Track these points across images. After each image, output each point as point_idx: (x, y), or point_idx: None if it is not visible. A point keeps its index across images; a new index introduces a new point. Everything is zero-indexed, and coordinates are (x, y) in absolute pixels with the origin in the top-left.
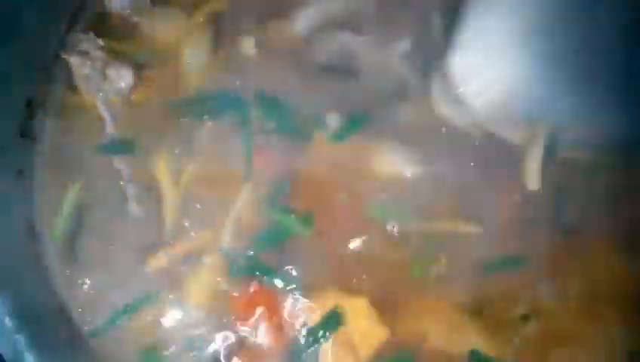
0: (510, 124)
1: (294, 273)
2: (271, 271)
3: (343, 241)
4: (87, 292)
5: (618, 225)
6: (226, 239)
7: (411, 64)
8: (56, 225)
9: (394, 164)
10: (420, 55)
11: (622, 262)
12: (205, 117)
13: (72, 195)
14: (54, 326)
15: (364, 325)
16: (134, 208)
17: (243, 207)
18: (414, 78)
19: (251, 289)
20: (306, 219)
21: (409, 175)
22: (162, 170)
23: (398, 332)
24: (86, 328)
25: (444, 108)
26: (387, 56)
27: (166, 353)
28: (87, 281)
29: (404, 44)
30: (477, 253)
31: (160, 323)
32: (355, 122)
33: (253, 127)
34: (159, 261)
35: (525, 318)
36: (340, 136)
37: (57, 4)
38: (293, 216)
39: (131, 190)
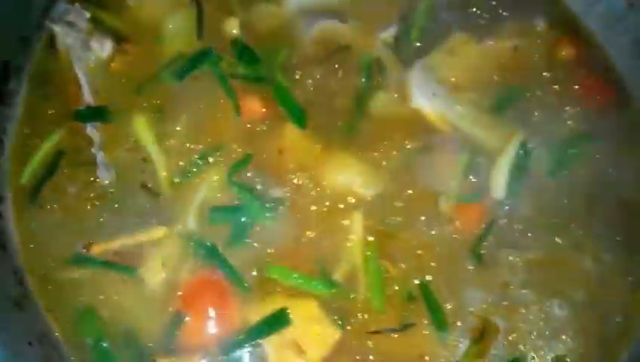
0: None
1: (251, 272)
2: (227, 264)
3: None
4: (41, 252)
5: None
6: (190, 220)
7: (394, 53)
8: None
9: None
10: (403, 46)
11: None
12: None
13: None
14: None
15: (313, 327)
16: (104, 173)
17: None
18: (395, 68)
19: (203, 277)
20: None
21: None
22: (144, 132)
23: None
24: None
25: (419, 100)
26: (370, 44)
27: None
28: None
29: (387, 34)
30: None
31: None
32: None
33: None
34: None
35: None
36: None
37: None
38: (255, 196)
39: (101, 157)
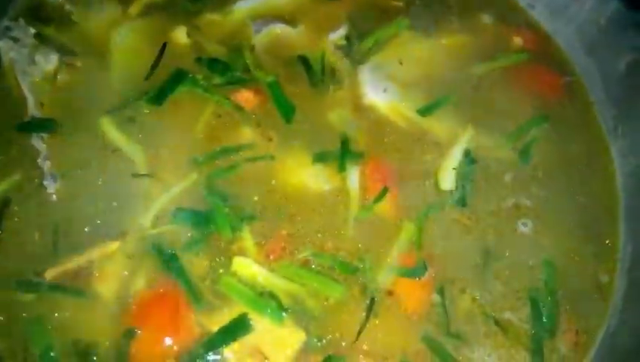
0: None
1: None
2: (184, 274)
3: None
4: None
5: None
6: (147, 222)
7: (344, 55)
8: None
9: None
10: (353, 46)
11: None
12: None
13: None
14: None
15: (277, 332)
16: (50, 183)
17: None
18: (346, 68)
19: (157, 289)
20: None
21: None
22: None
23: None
24: None
25: (372, 97)
26: (321, 46)
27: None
28: None
29: (337, 36)
30: None
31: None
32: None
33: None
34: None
35: None
36: None
37: None
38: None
39: (47, 167)
